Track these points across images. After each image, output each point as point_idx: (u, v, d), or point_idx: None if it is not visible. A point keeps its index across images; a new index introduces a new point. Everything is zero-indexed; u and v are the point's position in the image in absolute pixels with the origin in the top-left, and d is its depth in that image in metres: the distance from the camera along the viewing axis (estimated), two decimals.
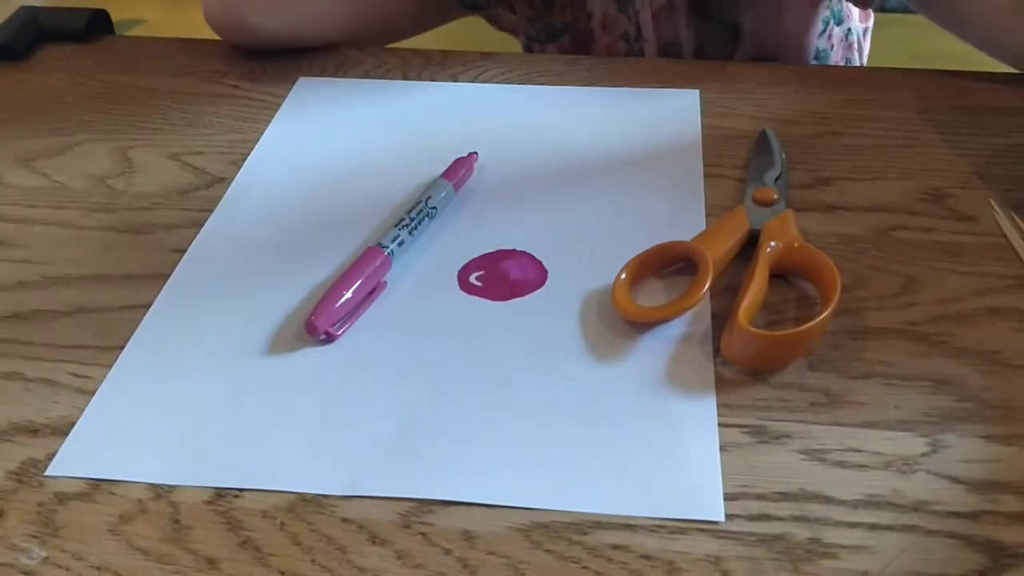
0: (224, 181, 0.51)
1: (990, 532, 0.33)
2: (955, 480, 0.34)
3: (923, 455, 0.35)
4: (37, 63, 0.64)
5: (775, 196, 0.47)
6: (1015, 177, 0.50)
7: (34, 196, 0.51)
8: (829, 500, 0.34)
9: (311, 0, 0.60)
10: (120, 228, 0.48)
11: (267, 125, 0.56)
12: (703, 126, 0.55)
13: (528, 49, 0.77)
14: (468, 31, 0.79)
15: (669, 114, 0.55)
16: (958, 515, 0.33)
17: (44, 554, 0.33)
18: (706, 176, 0.50)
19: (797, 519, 0.33)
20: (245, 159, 0.53)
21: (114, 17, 0.69)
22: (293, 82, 0.60)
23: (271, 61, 0.62)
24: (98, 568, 0.32)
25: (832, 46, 0.74)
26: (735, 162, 0.52)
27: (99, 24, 0.68)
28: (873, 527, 0.33)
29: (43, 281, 0.45)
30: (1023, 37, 0.56)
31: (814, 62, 0.74)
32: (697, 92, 0.58)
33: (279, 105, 0.58)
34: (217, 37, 0.63)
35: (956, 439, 0.36)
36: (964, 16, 0.60)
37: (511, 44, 0.79)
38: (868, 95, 0.58)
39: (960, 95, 0.58)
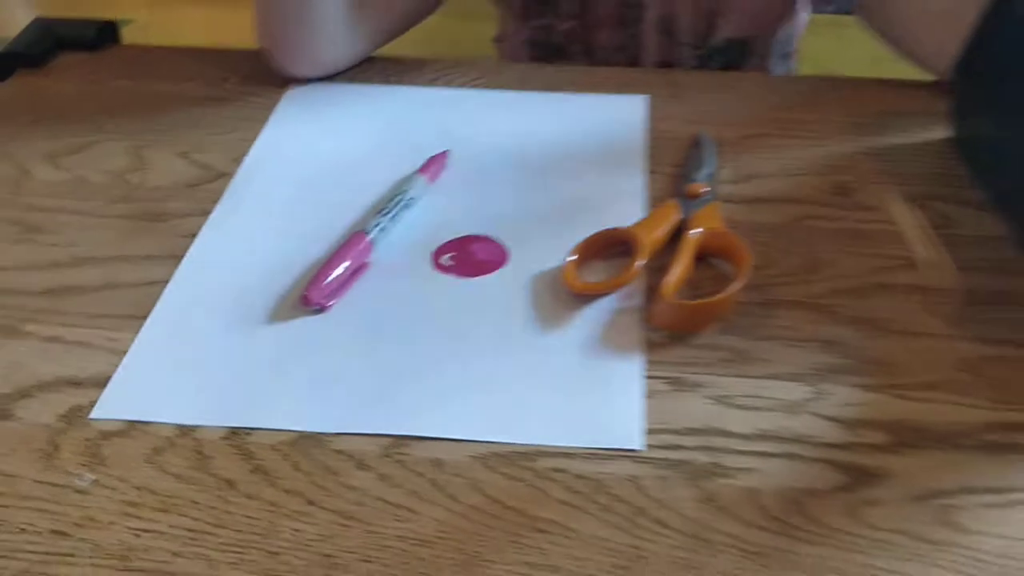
0: (227, 176, 0.59)
1: (854, 459, 0.41)
2: (831, 419, 0.42)
3: (807, 400, 0.43)
4: (53, 70, 0.71)
5: (703, 190, 0.55)
6: (916, 173, 0.58)
7: (60, 189, 0.58)
8: (729, 434, 0.42)
9: (332, 48, 0.67)
10: (138, 216, 0.55)
11: (264, 125, 0.63)
12: (649, 129, 0.63)
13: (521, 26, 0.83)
14: (443, 36, 0.86)
15: (619, 117, 0.63)
16: (831, 446, 0.41)
17: (94, 477, 0.40)
18: (648, 172, 0.58)
19: (702, 448, 0.41)
20: (245, 156, 0.60)
21: (103, 17, 0.76)
22: (286, 87, 0.67)
23: (266, 69, 0.69)
24: (138, 488, 0.40)
25: (794, 33, 0.83)
26: (674, 160, 0.59)
27: (108, 34, 0.75)
28: (762, 455, 0.41)
29: (74, 261, 0.52)
30: (933, 42, 0.64)
31: (780, 58, 0.82)
32: (646, 98, 0.65)
33: (273, 107, 0.65)
34: (213, 44, 0.71)
35: (835, 388, 0.44)
36: (887, 17, 0.68)
37: (482, 50, 0.87)
38: (798, 101, 0.66)
39: (878, 100, 0.66)
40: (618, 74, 0.70)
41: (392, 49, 0.72)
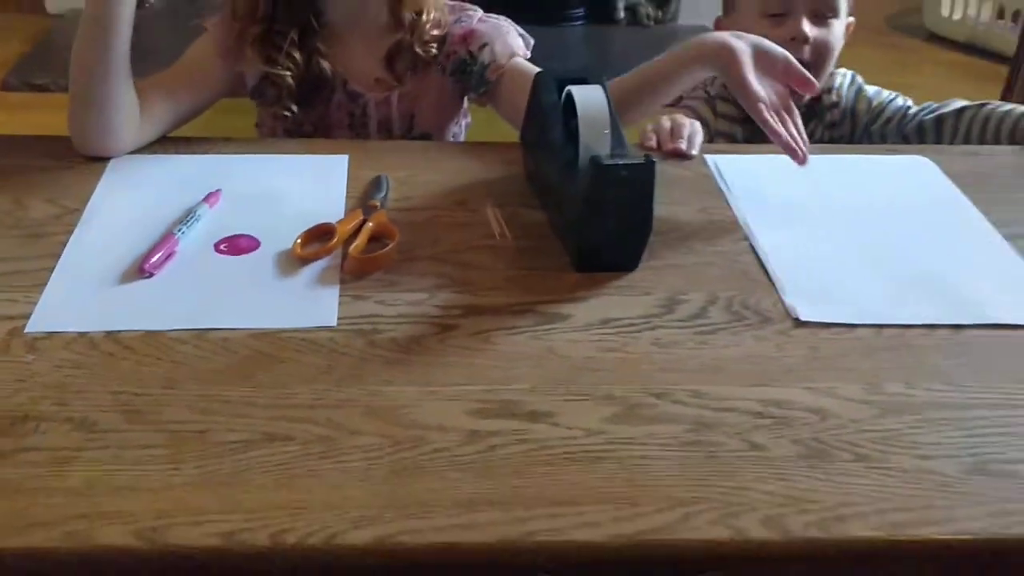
0: (79, 210, 0.93)
1: (434, 324, 0.80)
2: (442, 306, 0.82)
3: (425, 300, 0.83)
4: None
5: (376, 204, 0.94)
6: (506, 192, 1.00)
7: None
8: (382, 317, 0.80)
9: (134, 137, 1.02)
10: (27, 235, 0.89)
11: (100, 179, 0.98)
12: (349, 176, 1.02)
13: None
14: (215, 126, 1.23)
15: (329, 165, 1.02)
16: (440, 311, 0.81)
17: (33, 357, 0.74)
18: (347, 197, 0.97)
19: (366, 323, 0.79)
20: (90, 197, 0.95)
21: None
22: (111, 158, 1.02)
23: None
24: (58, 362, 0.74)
25: (463, 129, 1.25)
26: (362, 189, 0.99)
27: None
28: (398, 324, 0.80)
29: None
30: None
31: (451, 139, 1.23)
32: (346, 156, 1.05)
33: (104, 169, 1.00)
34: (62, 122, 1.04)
35: (444, 293, 0.84)
36: (505, 107, 1.11)
37: (243, 132, 1.24)
38: (443, 155, 1.08)
39: (492, 151, 1.08)
40: (323, 143, 1.10)
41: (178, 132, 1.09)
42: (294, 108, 1.12)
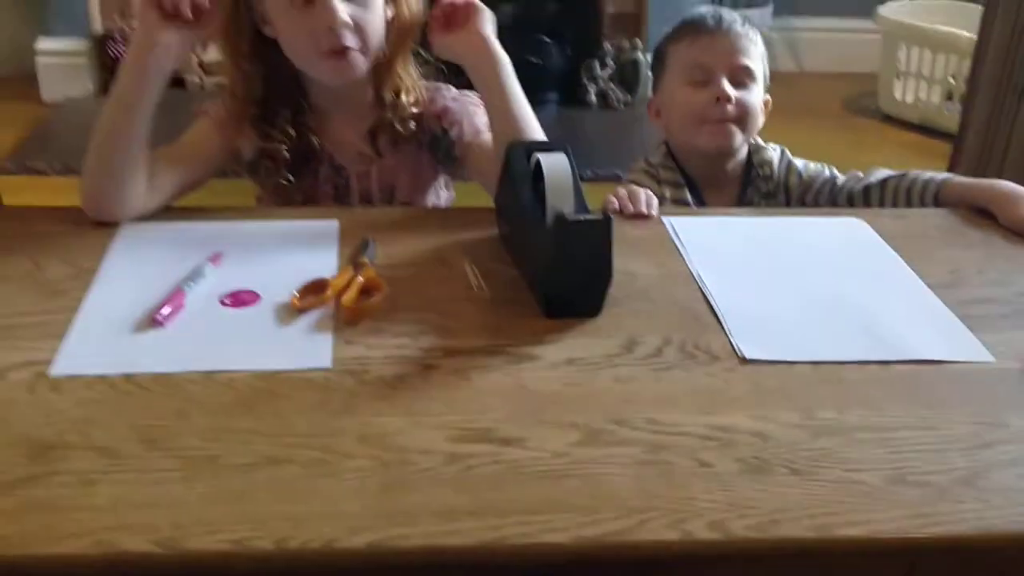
0: (94, 270, 1.02)
1: (412, 363, 0.90)
2: (428, 348, 0.92)
3: (410, 342, 0.92)
4: None
5: (364, 261, 1.04)
6: (482, 253, 1.10)
7: None
8: (368, 359, 0.89)
9: (142, 205, 1.13)
10: (47, 291, 0.98)
11: (113, 242, 1.07)
12: (339, 239, 1.12)
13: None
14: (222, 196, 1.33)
15: (321, 228, 1.13)
16: (424, 351, 0.90)
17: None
18: (339, 256, 1.07)
19: (355, 364, 0.88)
20: (104, 258, 1.04)
21: None
22: (121, 224, 1.12)
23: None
24: (81, 399, 0.82)
25: (443, 202, 1.36)
26: (352, 249, 1.09)
27: None
28: (384, 363, 0.89)
29: (17, 313, 0.94)
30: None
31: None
32: (336, 221, 1.15)
33: (116, 233, 1.09)
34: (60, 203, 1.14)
35: (428, 338, 0.93)
36: (480, 174, 1.22)
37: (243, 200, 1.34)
38: (428, 223, 1.18)
39: (467, 215, 1.18)
40: (310, 211, 1.21)
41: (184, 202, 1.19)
42: (290, 177, 1.23)
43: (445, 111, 1.25)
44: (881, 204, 1.29)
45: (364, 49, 1.18)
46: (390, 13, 1.22)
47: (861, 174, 1.33)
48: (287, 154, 1.23)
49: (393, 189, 1.29)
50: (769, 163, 1.37)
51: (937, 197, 1.25)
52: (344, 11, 1.15)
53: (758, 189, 1.37)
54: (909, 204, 1.27)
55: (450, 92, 1.28)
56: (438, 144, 1.26)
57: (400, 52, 1.24)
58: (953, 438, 0.82)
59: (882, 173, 1.32)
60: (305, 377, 0.87)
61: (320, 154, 1.26)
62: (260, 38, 1.21)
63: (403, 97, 1.24)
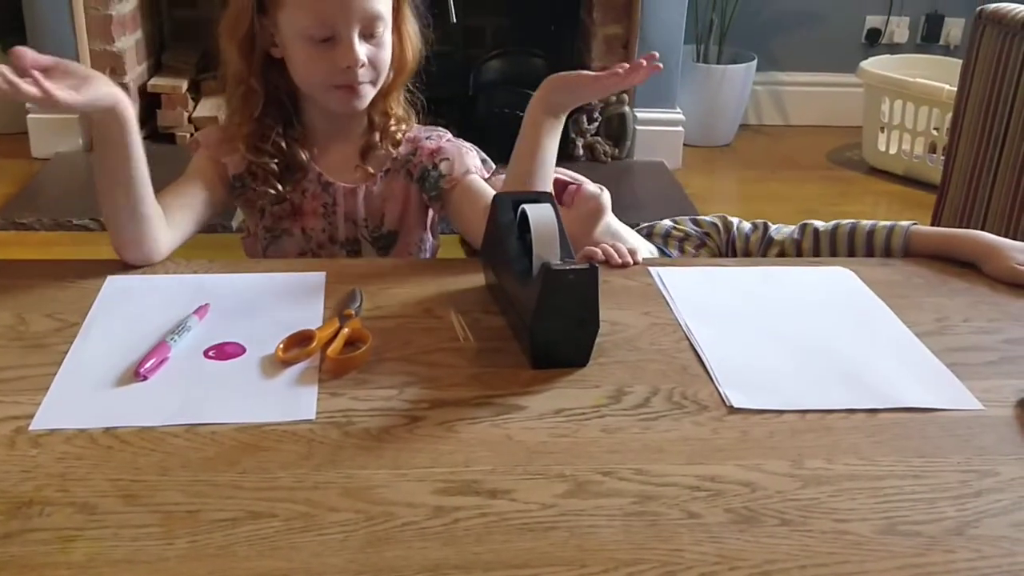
0: (78, 324, 1.01)
1: (405, 414, 0.89)
2: (412, 401, 0.91)
3: (396, 395, 0.91)
4: None
5: (351, 313, 1.04)
6: (470, 301, 1.10)
7: None
8: (355, 411, 0.89)
9: (167, 243, 1.15)
10: (29, 345, 0.97)
11: (97, 296, 1.07)
12: (326, 290, 1.11)
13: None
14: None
15: (309, 281, 1.12)
16: (410, 403, 0.89)
17: (37, 451, 0.81)
18: (325, 308, 1.07)
19: (341, 416, 0.88)
20: (88, 312, 1.03)
21: None
22: (105, 277, 1.11)
23: (90, 268, 1.13)
24: (61, 455, 0.81)
25: (429, 248, 1.36)
26: (339, 301, 1.08)
27: None
28: (371, 416, 0.88)
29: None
30: (479, 235, 1.17)
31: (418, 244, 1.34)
32: (323, 273, 1.15)
33: (101, 287, 1.09)
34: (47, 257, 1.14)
35: (413, 389, 0.92)
36: (464, 226, 1.23)
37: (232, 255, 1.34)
38: (415, 272, 1.18)
39: (452, 266, 1.18)
40: (310, 264, 1.20)
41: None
42: (279, 186, 1.25)
43: (439, 149, 1.28)
44: (833, 253, 1.30)
45: (374, 82, 1.23)
46: (396, 48, 1.25)
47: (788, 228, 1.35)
48: (275, 166, 1.25)
49: (382, 216, 1.30)
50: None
51: (906, 246, 1.26)
52: (362, 52, 1.19)
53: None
54: (871, 243, 1.28)
55: (446, 134, 1.32)
56: (427, 177, 1.28)
57: (398, 84, 1.29)
58: (943, 487, 0.81)
59: (818, 224, 1.33)
60: (289, 430, 0.86)
61: (309, 169, 1.28)
62: (267, 57, 1.23)
63: (393, 124, 1.29)
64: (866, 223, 1.31)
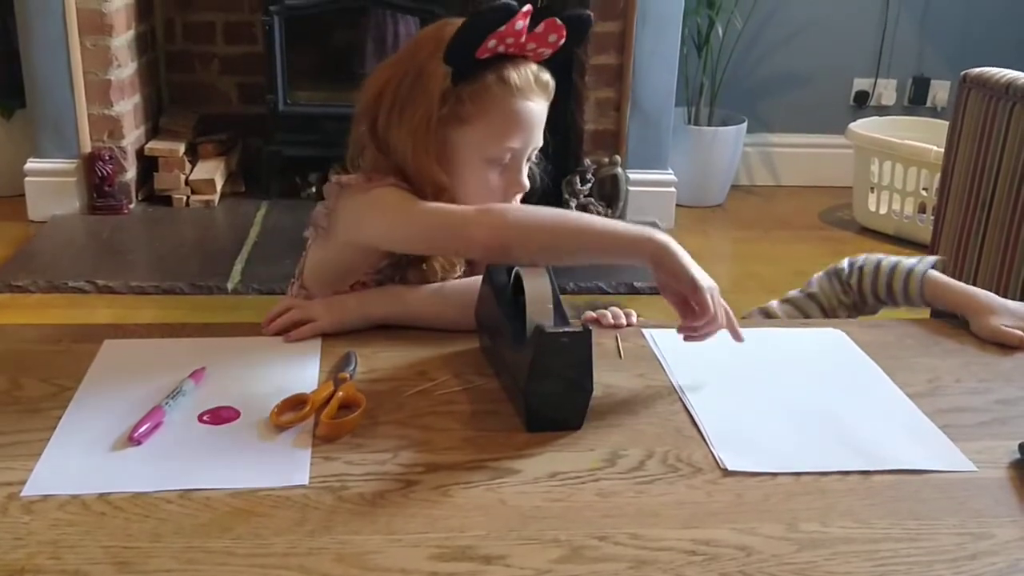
0: (73, 388, 1.02)
1: (395, 475, 0.89)
2: (406, 465, 0.90)
3: (390, 458, 0.91)
4: None
5: (345, 376, 1.04)
6: (464, 363, 1.11)
7: None
8: (348, 475, 0.88)
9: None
10: (23, 410, 0.97)
11: (92, 361, 1.07)
12: (321, 353, 1.12)
13: None
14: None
15: (302, 346, 1.13)
16: (403, 467, 0.89)
17: (28, 518, 0.81)
18: (320, 371, 1.07)
19: (335, 480, 0.87)
20: (83, 377, 1.03)
21: None
22: (101, 342, 1.12)
23: (85, 332, 1.13)
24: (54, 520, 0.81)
25: None
26: (335, 363, 1.09)
27: None
28: (365, 480, 0.88)
29: None
30: (469, 320, 1.19)
31: None
32: (318, 338, 1.15)
33: (96, 352, 1.09)
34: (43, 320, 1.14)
35: (406, 452, 0.92)
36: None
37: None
38: (417, 332, 1.19)
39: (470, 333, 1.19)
40: None
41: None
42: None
43: None
44: (860, 283, 1.34)
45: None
46: None
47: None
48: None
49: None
50: None
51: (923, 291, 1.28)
52: (526, 179, 1.21)
53: None
54: (891, 289, 1.30)
55: None
56: None
57: None
58: (939, 550, 0.81)
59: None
60: (282, 495, 0.86)
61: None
62: None
63: None
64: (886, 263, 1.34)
